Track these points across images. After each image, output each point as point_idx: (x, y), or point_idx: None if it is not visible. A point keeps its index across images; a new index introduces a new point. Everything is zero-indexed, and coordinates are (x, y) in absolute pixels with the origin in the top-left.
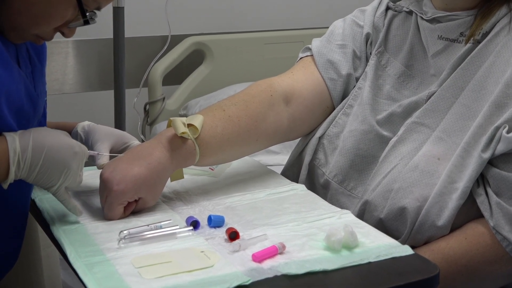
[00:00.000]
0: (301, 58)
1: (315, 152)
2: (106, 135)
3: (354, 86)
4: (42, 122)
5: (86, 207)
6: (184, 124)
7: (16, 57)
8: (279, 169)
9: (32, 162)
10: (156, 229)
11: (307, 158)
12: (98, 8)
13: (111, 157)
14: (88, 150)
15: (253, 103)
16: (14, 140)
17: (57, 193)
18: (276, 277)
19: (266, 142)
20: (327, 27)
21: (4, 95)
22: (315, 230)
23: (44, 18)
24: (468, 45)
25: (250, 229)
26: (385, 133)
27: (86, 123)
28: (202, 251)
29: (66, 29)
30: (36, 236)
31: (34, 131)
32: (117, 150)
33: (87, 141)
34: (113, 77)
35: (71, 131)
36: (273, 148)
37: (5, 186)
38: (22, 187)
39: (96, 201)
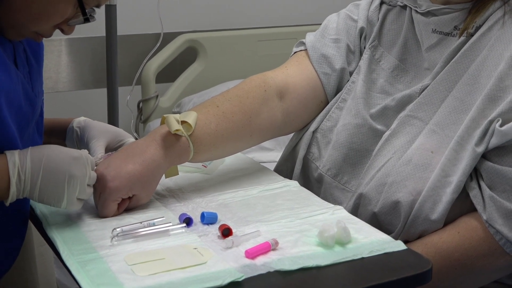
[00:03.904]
0: (295, 53)
1: (309, 146)
2: (102, 132)
3: (348, 80)
4: (39, 122)
5: None
6: (177, 121)
7: (13, 57)
8: (272, 166)
9: (32, 173)
10: (149, 226)
11: (301, 153)
12: (98, 6)
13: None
14: (84, 146)
15: (247, 98)
16: (13, 154)
17: (71, 207)
18: (269, 273)
19: (260, 138)
20: (320, 24)
21: (4, 96)
22: (308, 226)
23: (44, 16)
24: (462, 38)
25: (243, 226)
26: (378, 126)
27: (82, 118)
28: (195, 248)
29: (65, 27)
30: (30, 234)
31: (32, 148)
32: (112, 147)
33: (82, 137)
34: (106, 75)
35: (67, 127)
36: (266, 145)
37: (7, 203)
38: None
39: (90, 198)
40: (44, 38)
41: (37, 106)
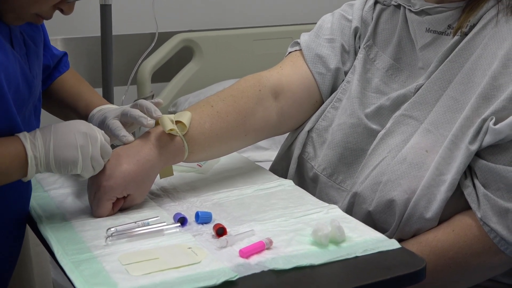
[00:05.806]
0: (290, 53)
1: (304, 146)
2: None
3: (343, 80)
4: (37, 106)
5: (74, 205)
6: (172, 121)
7: (9, 39)
8: (268, 165)
9: (44, 138)
10: (144, 226)
11: (296, 152)
12: None
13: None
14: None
15: (242, 98)
16: (23, 132)
17: (86, 173)
18: (263, 272)
19: (255, 137)
20: (316, 23)
21: (3, 73)
22: (302, 225)
23: None
24: (456, 37)
25: (238, 225)
26: (373, 126)
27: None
28: (189, 248)
29: (65, 6)
30: (25, 234)
31: None
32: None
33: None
34: (101, 74)
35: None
36: (262, 144)
37: (28, 175)
38: (22, 191)
39: (84, 198)
40: (50, 19)
41: (34, 88)
